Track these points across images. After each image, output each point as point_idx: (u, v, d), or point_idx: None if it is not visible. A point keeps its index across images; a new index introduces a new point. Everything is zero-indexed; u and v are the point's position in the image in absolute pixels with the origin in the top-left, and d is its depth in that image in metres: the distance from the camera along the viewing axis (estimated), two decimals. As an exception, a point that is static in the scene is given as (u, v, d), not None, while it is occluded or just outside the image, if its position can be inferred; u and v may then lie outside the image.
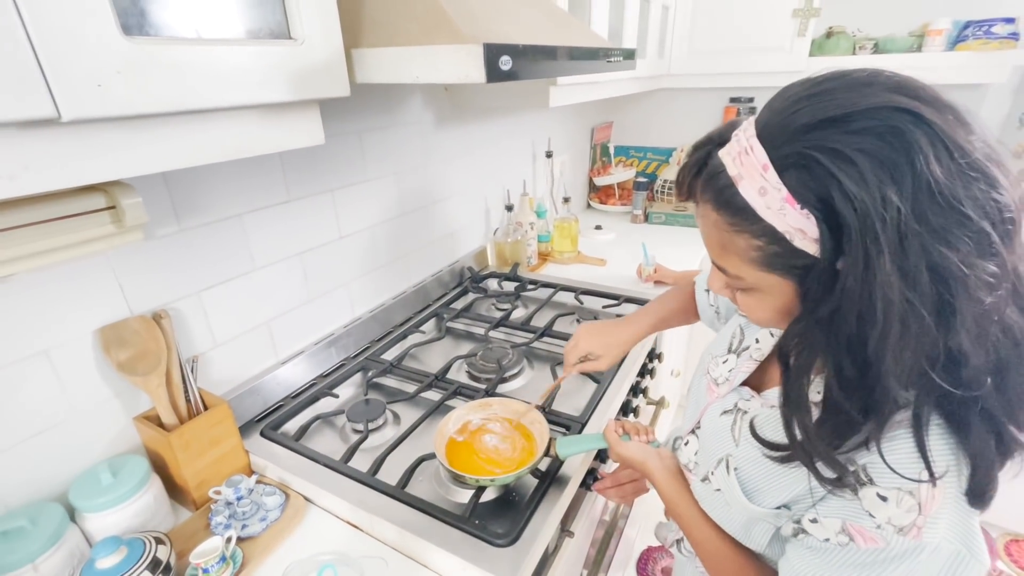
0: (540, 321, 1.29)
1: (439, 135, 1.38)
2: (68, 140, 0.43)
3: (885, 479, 0.42)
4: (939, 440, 0.41)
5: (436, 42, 0.65)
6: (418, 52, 0.67)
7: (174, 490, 0.83)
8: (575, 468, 0.85)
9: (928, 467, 0.40)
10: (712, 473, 0.58)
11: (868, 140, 0.37)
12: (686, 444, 0.67)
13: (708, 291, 0.86)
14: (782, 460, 0.49)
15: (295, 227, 1.03)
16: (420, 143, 1.32)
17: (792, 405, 0.46)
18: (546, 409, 0.95)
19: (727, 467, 0.56)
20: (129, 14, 0.45)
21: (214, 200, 0.88)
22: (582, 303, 1.43)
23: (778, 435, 0.50)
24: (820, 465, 0.44)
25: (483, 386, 1.05)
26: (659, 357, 1.39)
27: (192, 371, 0.85)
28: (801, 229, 0.40)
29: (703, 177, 0.47)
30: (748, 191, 0.42)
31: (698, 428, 0.65)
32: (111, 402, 0.79)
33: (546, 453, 0.79)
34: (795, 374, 0.45)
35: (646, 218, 2.17)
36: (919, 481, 0.40)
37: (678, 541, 0.75)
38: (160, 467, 0.82)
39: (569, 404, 1.01)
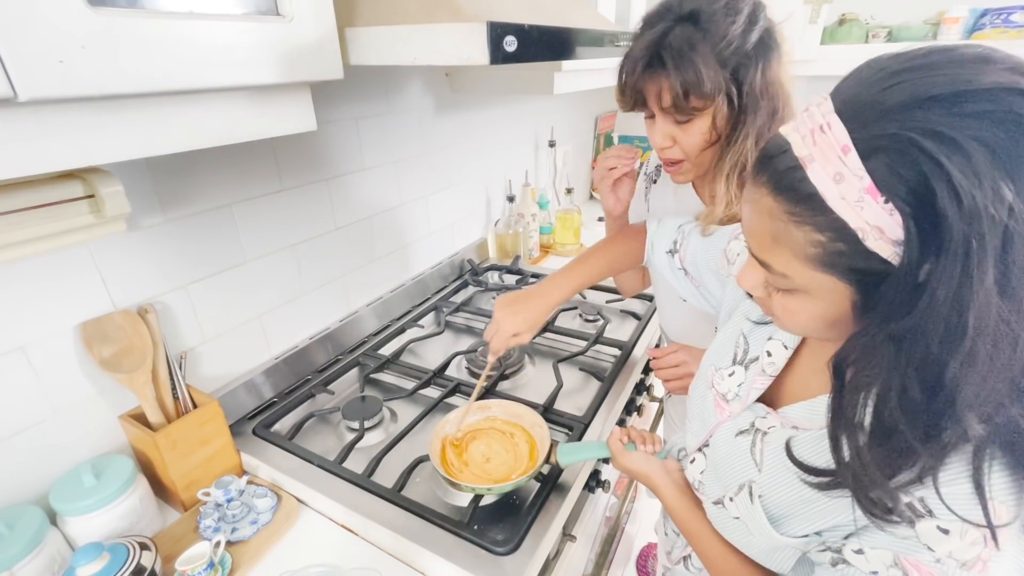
0: (542, 316, 1.25)
1: (439, 123, 1.33)
2: (28, 122, 0.40)
3: (946, 512, 0.38)
4: (1000, 475, 0.37)
5: (436, 20, 0.61)
6: (417, 31, 0.63)
7: (162, 491, 0.80)
8: (577, 471, 0.82)
9: (986, 514, 0.35)
10: (731, 499, 0.54)
11: (984, 126, 0.31)
12: (692, 462, 0.63)
13: (671, 253, 0.79)
14: (824, 487, 0.44)
15: (288, 217, 0.99)
16: (419, 131, 1.27)
17: (844, 424, 0.41)
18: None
19: (750, 495, 0.51)
20: (95, -18, 0.41)
21: (202, 189, 0.84)
22: (585, 297, 1.40)
23: (816, 459, 0.45)
24: (871, 495, 0.39)
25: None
26: (663, 353, 1.35)
27: (180, 367, 0.81)
28: (879, 227, 0.34)
29: (759, 156, 0.41)
30: (820, 176, 0.36)
31: (706, 447, 0.61)
32: (94, 400, 0.76)
33: (546, 460, 0.76)
34: (852, 391, 0.40)
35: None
36: (980, 526, 0.36)
37: (685, 558, 0.72)
38: (147, 468, 0.79)
39: (572, 404, 0.98)
